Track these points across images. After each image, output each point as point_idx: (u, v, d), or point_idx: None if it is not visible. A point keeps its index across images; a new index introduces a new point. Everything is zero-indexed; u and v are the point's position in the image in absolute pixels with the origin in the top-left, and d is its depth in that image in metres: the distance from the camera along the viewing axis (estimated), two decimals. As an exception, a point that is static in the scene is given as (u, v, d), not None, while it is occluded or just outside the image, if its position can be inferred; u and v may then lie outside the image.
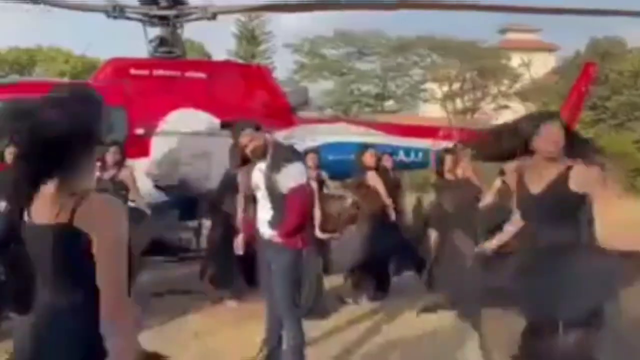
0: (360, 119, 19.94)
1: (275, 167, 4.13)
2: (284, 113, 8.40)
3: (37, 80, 13.08)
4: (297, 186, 4.12)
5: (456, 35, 29.62)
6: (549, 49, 39.10)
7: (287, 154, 4.22)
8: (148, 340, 5.27)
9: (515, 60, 32.05)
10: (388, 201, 6.56)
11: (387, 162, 7.42)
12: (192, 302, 6.38)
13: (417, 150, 9.36)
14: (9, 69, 30.54)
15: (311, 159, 6.74)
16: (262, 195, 4.23)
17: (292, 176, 4.12)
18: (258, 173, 4.25)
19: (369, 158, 6.59)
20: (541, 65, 32.44)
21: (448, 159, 6.85)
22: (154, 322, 5.72)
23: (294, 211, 4.13)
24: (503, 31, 39.81)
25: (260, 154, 4.20)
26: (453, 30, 40.48)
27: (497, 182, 7.55)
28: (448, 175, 6.84)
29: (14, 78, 15.68)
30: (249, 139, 4.19)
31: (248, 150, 4.21)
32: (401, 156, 9.09)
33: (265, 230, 4.21)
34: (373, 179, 6.56)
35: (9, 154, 5.83)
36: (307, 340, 4.25)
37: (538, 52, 36.41)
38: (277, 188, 4.10)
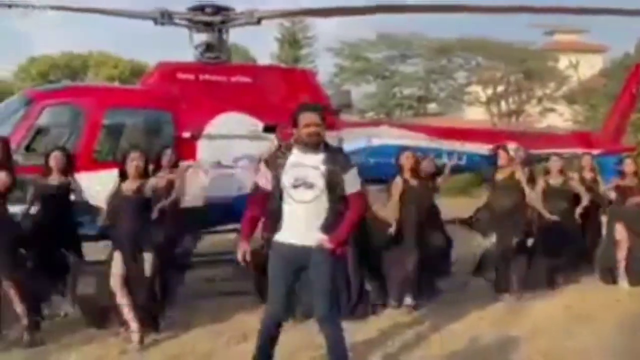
0: (403, 122, 19.84)
1: (337, 165, 3.90)
2: (328, 116, 8.45)
3: (87, 85, 13.48)
4: (361, 190, 4.07)
5: (502, 37, 29.24)
6: (597, 50, 38.14)
7: (345, 156, 4.07)
8: (196, 340, 5.43)
9: (563, 62, 31.40)
10: (394, 210, 6.42)
11: (427, 166, 7.39)
12: (239, 303, 6.45)
13: (460, 154, 9.28)
14: (61, 73, 31.51)
15: None
16: (310, 195, 3.88)
17: (356, 179, 4.01)
18: (307, 168, 3.90)
19: (404, 160, 6.58)
20: (589, 67, 31.64)
21: (502, 155, 6.86)
22: (202, 322, 5.84)
23: (356, 216, 4.04)
24: (550, 33, 39.01)
25: (316, 144, 3.93)
26: (499, 33, 39.87)
27: (541, 183, 7.48)
28: (501, 172, 6.85)
29: (66, 83, 16.19)
30: (315, 121, 3.90)
31: (307, 132, 3.89)
32: (444, 159, 9.02)
33: (308, 233, 3.89)
34: (395, 185, 6.53)
35: (54, 158, 6.06)
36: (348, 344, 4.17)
37: (586, 54, 35.54)
38: (341, 189, 3.91)
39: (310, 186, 3.87)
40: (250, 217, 4.14)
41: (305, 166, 3.90)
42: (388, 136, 8.86)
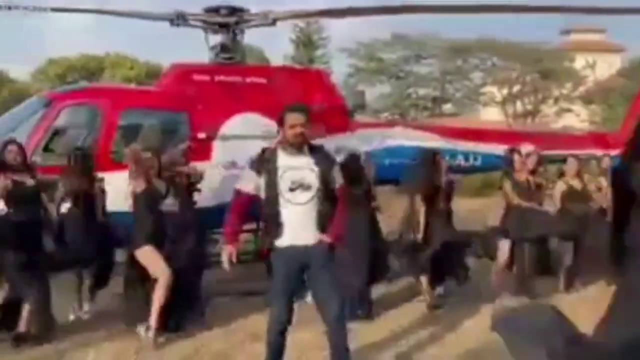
0: (418, 123, 19.80)
1: (327, 164, 4.01)
2: (342, 117, 8.48)
3: (104, 86, 13.61)
4: (343, 185, 4.18)
5: (517, 37, 29.08)
6: (614, 50, 37.78)
7: (328, 152, 4.15)
8: (211, 339, 5.47)
9: (579, 62, 31.13)
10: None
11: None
12: (254, 303, 6.50)
13: (475, 155, 9.23)
14: (78, 75, 31.84)
15: None
16: (307, 196, 3.92)
17: (339, 173, 4.15)
18: (302, 170, 3.95)
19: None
20: (606, 67, 31.40)
21: (517, 159, 6.81)
22: (217, 322, 5.88)
23: (342, 209, 4.14)
24: (566, 32, 38.71)
25: (302, 144, 3.99)
26: (514, 32, 39.67)
27: (561, 186, 7.41)
28: (517, 176, 6.79)
29: (83, 84, 16.33)
30: (302, 122, 3.95)
31: (294, 133, 3.92)
32: (460, 160, 8.98)
33: (307, 233, 3.96)
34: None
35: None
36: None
37: (603, 54, 35.21)
38: (332, 187, 4.01)
39: (307, 188, 3.93)
40: (234, 222, 4.18)
41: (300, 168, 3.95)
42: (403, 137, 8.85)
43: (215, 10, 8.44)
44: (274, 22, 8.53)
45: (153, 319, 5.22)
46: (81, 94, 7.83)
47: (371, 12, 9.37)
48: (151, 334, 5.21)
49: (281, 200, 3.91)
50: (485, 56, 30.79)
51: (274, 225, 3.95)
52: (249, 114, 7.77)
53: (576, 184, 7.40)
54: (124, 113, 7.24)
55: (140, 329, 5.29)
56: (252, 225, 8.13)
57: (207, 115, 7.56)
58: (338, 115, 8.29)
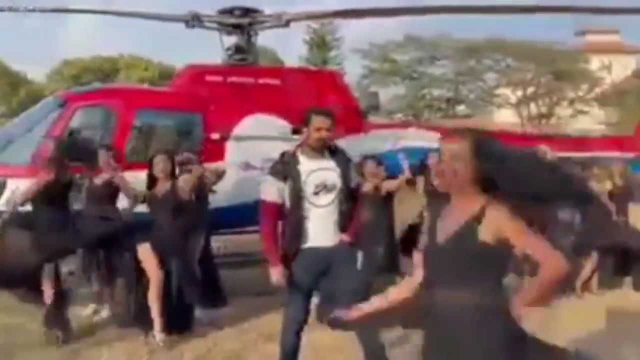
0: (432, 124, 19.72)
1: (346, 164, 4.04)
2: (356, 118, 8.47)
3: (119, 86, 13.70)
4: (358, 184, 4.25)
5: (531, 37, 28.89)
6: (630, 51, 37.39)
7: (345, 152, 4.15)
8: (224, 339, 5.48)
9: (595, 63, 30.86)
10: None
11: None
12: (264, 303, 6.52)
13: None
14: (92, 76, 32.12)
15: None
16: (329, 198, 3.93)
17: (354, 173, 4.19)
18: (324, 172, 3.94)
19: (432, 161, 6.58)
20: (622, 68, 31.09)
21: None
22: (230, 322, 5.89)
23: (361, 207, 4.21)
24: (582, 33, 38.36)
25: (323, 147, 3.98)
26: (528, 33, 39.44)
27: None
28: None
29: (97, 85, 16.46)
30: (328, 126, 3.92)
31: (318, 137, 3.90)
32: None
33: (329, 235, 3.94)
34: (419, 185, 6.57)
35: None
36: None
37: (619, 55, 34.87)
38: (351, 186, 4.04)
39: (329, 190, 3.92)
40: (270, 238, 4.04)
41: (322, 170, 3.94)
42: (417, 138, 8.83)
43: (229, 11, 8.48)
44: (287, 24, 8.56)
45: (156, 322, 5.23)
46: (96, 94, 7.90)
47: (384, 13, 9.37)
48: (159, 337, 5.23)
49: (305, 204, 3.91)
50: (499, 57, 30.63)
51: (298, 229, 3.93)
52: (263, 115, 7.79)
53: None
54: (138, 113, 7.28)
55: (150, 334, 5.31)
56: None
57: (220, 116, 7.59)
58: (351, 116, 8.28)
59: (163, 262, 5.35)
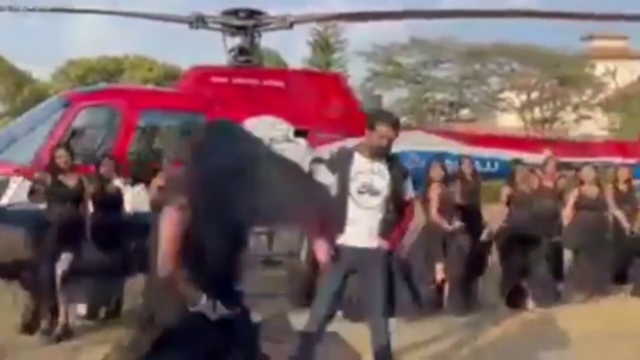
0: (436, 128, 19.73)
1: (399, 173, 4.05)
2: (359, 121, 8.46)
3: (123, 87, 13.74)
4: (413, 197, 4.24)
5: (538, 42, 28.85)
6: (637, 56, 37.31)
7: (402, 163, 4.21)
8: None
9: (600, 68, 30.81)
10: (436, 216, 6.41)
11: (466, 168, 7.34)
12: (274, 305, 6.50)
13: (493, 161, 9.17)
14: (98, 76, 32.21)
15: None
16: (374, 202, 3.94)
17: (411, 186, 4.17)
18: (373, 175, 3.96)
19: (434, 171, 6.54)
20: (627, 74, 31.01)
21: (520, 171, 6.72)
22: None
23: (411, 221, 4.21)
24: (588, 38, 38.29)
25: (384, 153, 4.01)
26: (535, 37, 39.46)
27: (575, 192, 7.33)
28: (522, 188, 6.71)
29: (102, 85, 16.49)
30: (392, 135, 3.96)
31: (379, 144, 3.93)
32: (476, 166, 8.92)
33: (368, 238, 3.95)
34: (433, 192, 6.49)
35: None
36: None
37: (625, 60, 34.79)
38: (400, 197, 4.03)
39: (375, 193, 3.94)
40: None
41: (372, 173, 3.96)
42: (420, 142, 8.81)
43: (233, 13, 8.49)
44: (291, 26, 8.57)
45: None
46: (100, 94, 7.92)
47: (389, 16, 9.38)
48: None
49: (349, 202, 3.94)
50: (503, 61, 30.61)
51: (339, 226, 3.95)
52: (266, 116, 7.80)
53: (591, 191, 7.29)
54: (143, 114, 7.29)
55: None
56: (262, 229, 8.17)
57: (224, 117, 7.58)
58: (354, 119, 8.28)
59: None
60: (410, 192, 4.11)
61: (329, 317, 4.04)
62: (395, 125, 4.01)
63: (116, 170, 6.16)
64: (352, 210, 3.94)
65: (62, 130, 6.86)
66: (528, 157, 8.39)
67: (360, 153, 4.02)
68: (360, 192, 3.93)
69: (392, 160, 4.06)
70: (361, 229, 3.94)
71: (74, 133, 6.95)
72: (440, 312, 6.27)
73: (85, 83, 28.86)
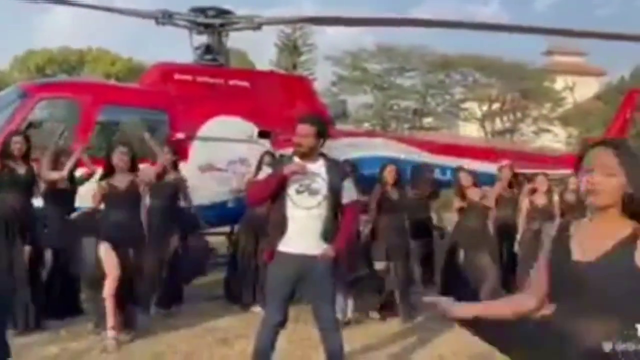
0: (398, 135, 19.89)
1: (337, 174, 4.02)
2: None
3: (83, 80, 13.47)
4: (356, 200, 4.17)
5: (504, 54, 29.44)
6: (595, 73, 38.41)
7: (342, 165, 4.23)
8: (178, 340, 5.40)
9: (560, 83, 31.60)
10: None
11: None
12: (220, 307, 6.50)
13: (453, 169, 9.31)
14: (58, 68, 31.45)
15: None
16: (314, 202, 3.91)
17: (353, 189, 4.13)
18: (311, 175, 3.93)
19: (387, 174, 6.60)
20: (585, 90, 31.91)
21: (463, 178, 6.80)
22: (185, 325, 5.82)
23: (352, 225, 4.18)
24: (549, 53, 39.25)
25: (310, 154, 3.98)
26: (500, 50, 40.23)
27: (526, 202, 7.47)
28: (469, 194, 6.78)
29: (62, 77, 16.15)
30: (308, 133, 3.95)
31: (297, 144, 3.96)
32: (436, 174, 9.04)
33: (311, 241, 3.91)
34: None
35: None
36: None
37: (583, 76, 35.79)
38: (339, 198, 3.97)
39: (314, 192, 3.91)
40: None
41: (309, 173, 3.93)
42: (383, 148, 8.89)
43: (201, 10, 8.41)
44: (259, 27, 8.54)
45: (109, 321, 5.12)
46: (59, 87, 7.75)
47: (358, 22, 9.42)
48: (110, 334, 5.11)
49: (288, 203, 3.92)
50: (467, 72, 31.10)
51: (280, 228, 3.94)
52: (229, 116, 7.74)
53: (543, 201, 7.43)
54: (103, 109, 7.14)
55: (104, 332, 5.19)
56: (225, 229, 8.11)
57: (186, 116, 7.50)
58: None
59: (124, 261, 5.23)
60: (350, 195, 4.06)
61: (282, 323, 4.03)
62: (309, 124, 3.98)
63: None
64: (291, 211, 3.91)
65: (19, 122, 6.66)
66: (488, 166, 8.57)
67: (297, 156, 4.03)
68: (298, 192, 3.91)
69: (331, 161, 4.09)
70: (301, 231, 3.91)
71: (30, 125, 6.75)
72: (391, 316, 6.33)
73: (45, 74, 28.19)
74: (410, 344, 5.53)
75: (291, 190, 3.91)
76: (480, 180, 7.22)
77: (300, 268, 3.93)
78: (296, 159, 4.00)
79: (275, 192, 3.97)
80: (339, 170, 4.10)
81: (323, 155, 4.10)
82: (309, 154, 3.97)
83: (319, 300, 4.02)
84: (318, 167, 3.98)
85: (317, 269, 3.92)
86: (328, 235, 3.93)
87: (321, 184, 3.92)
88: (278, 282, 4.00)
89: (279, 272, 3.98)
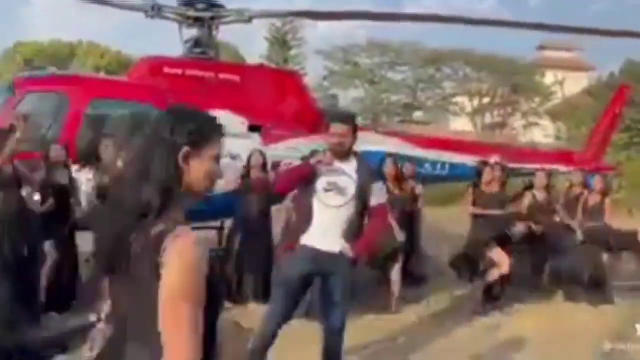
0: (389, 129, 19.90)
1: (366, 176, 3.95)
2: (314, 119, 8.45)
3: (72, 74, 13.32)
4: (384, 203, 4.13)
5: (496, 49, 29.56)
6: (586, 68, 38.56)
7: (371, 168, 4.17)
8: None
9: (549, 78, 31.73)
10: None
11: (406, 170, 7.58)
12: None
13: (443, 164, 9.31)
14: (47, 60, 31.17)
15: None
16: (341, 201, 3.87)
17: (383, 191, 4.11)
18: (340, 174, 3.91)
19: (387, 168, 6.63)
20: (575, 85, 32.03)
21: (487, 172, 6.88)
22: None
23: (380, 227, 4.19)
24: (541, 48, 39.35)
25: (345, 154, 3.96)
26: (493, 45, 40.30)
27: (528, 198, 7.53)
28: (486, 188, 6.86)
29: (52, 70, 15.97)
30: (348, 132, 3.92)
31: (337, 144, 3.91)
32: (427, 168, 9.05)
33: (333, 239, 3.87)
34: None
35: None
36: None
37: (573, 71, 35.93)
38: (367, 199, 3.92)
39: (341, 192, 3.88)
40: None
41: (339, 172, 3.91)
42: (372, 142, 8.85)
43: (191, 4, 8.33)
44: (250, 20, 8.48)
45: None
46: (48, 80, 7.65)
47: (349, 16, 9.38)
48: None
49: (315, 200, 3.90)
50: (457, 66, 31.18)
51: (304, 223, 3.93)
52: (219, 110, 7.66)
53: (543, 197, 7.48)
54: (92, 102, 7.08)
55: None
56: (216, 223, 8.08)
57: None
58: (309, 117, 8.27)
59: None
60: (378, 198, 3.98)
61: (287, 317, 4.00)
62: (346, 123, 3.97)
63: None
64: (317, 208, 3.89)
65: (6, 116, 6.58)
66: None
67: (330, 153, 3.99)
68: (326, 190, 3.88)
69: (363, 162, 4.02)
70: (324, 228, 3.87)
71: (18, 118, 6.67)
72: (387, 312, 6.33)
73: (33, 67, 27.91)
74: (408, 340, 5.55)
75: (319, 188, 3.90)
76: (468, 174, 7.28)
77: (319, 264, 3.89)
78: (328, 154, 3.97)
79: (301, 181, 3.99)
80: (369, 171, 4.07)
81: (356, 154, 4.04)
82: (347, 153, 3.96)
83: (333, 300, 3.95)
84: (350, 166, 3.94)
85: (337, 268, 3.88)
86: (350, 235, 3.88)
87: (349, 184, 3.89)
88: (292, 274, 3.97)
89: (296, 265, 3.95)
